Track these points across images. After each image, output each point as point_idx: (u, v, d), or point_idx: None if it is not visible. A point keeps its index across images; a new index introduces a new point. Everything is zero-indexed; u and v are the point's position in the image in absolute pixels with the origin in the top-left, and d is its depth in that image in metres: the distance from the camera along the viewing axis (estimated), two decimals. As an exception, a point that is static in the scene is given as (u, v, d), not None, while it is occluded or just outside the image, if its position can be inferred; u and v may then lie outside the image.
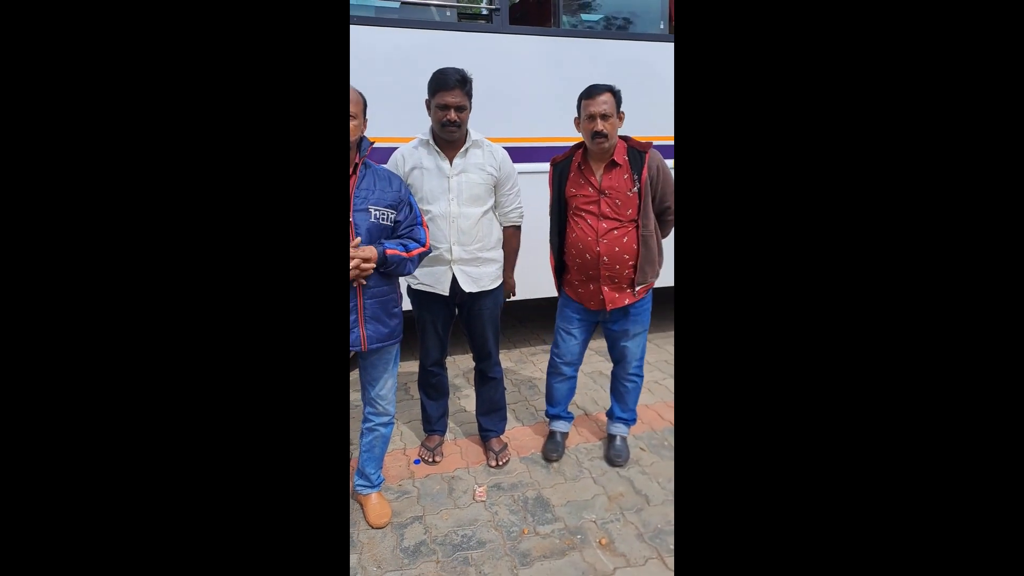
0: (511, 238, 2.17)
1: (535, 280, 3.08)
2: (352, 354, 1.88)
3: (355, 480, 1.98)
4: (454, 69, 1.83)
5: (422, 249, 1.76)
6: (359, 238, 1.59)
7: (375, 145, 1.76)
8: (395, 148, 2.04)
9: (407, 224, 1.73)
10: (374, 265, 1.60)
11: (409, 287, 2.13)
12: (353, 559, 1.75)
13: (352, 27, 2.64)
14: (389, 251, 1.64)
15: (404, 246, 1.69)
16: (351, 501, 2.01)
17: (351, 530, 1.88)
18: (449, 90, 1.82)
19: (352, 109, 1.55)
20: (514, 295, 2.29)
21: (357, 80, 2.65)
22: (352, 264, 1.54)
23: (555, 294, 2.30)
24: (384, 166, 1.78)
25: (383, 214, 1.66)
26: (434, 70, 1.86)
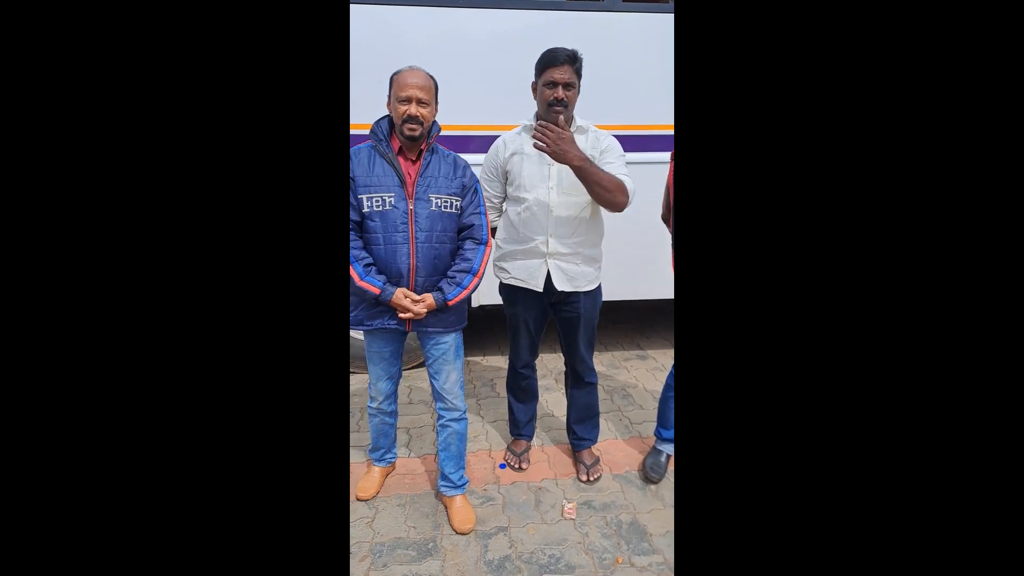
0: None
1: (631, 279, 2.86)
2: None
3: (438, 481, 1.92)
4: (564, 48, 1.69)
5: (482, 267, 1.69)
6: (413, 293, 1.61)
7: (472, 133, 1.68)
8: (496, 136, 1.92)
9: (470, 211, 1.67)
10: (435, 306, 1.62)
11: (500, 281, 2.01)
12: (435, 566, 1.68)
13: (452, 9, 2.58)
14: (452, 301, 1.63)
15: (459, 284, 1.65)
16: (437, 502, 1.95)
17: (435, 533, 1.81)
18: (558, 66, 1.68)
19: (423, 95, 1.52)
20: None
21: (457, 65, 2.60)
22: (409, 316, 1.60)
23: (655, 295, 2.08)
24: (454, 153, 1.71)
25: (446, 202, 1.60)
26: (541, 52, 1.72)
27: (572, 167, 1.61)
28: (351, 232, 1.58)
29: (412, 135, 1.54)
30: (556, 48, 1.69)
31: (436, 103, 1.60)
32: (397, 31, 2.53)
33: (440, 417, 1.85)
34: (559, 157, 1.58)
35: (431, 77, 1.58)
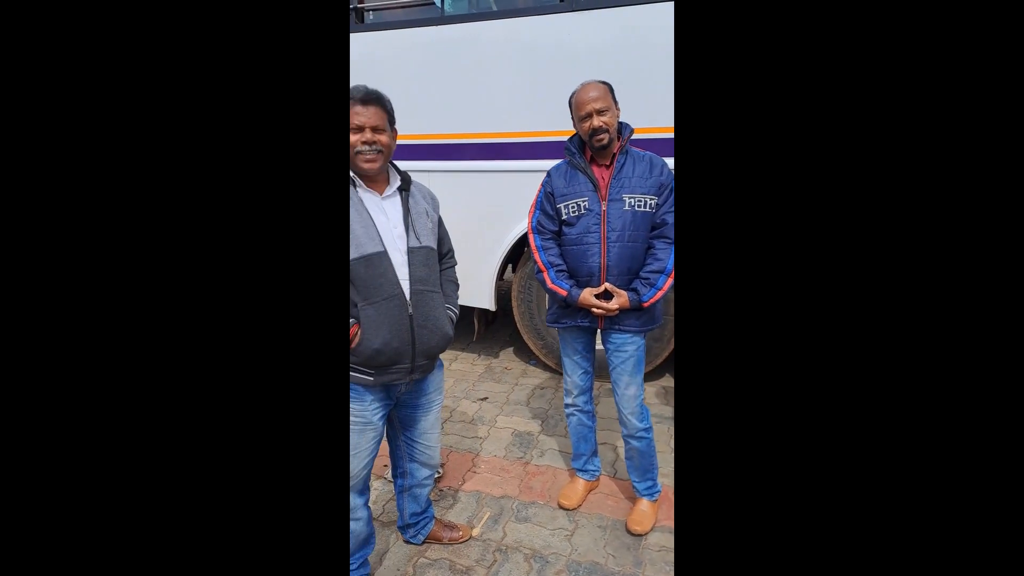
0: None
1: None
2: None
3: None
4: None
5: (669, 282, 1.59)
6: (604, 285, 1.59)
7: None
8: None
9: (664, 210, 1.60)
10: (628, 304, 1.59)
11: None
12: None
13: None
14: (647, 303, 1.58)
15: (653, 285, 1.59)
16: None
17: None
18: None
19: (600, 105, 1.52)
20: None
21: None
22: (602, 313, 1.60)
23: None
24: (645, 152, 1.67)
25: (640, 200, 1.58)
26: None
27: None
28: (549, 240, 1.66)
29: (601, 144, 1.56)
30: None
31: (616, 104, 1.59)
32: (573, 36, 2.45)
33: (623, 430, 1.76)
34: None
35: (602, 83, 1.58)
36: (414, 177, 1.44)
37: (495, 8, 2.66)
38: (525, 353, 3.21)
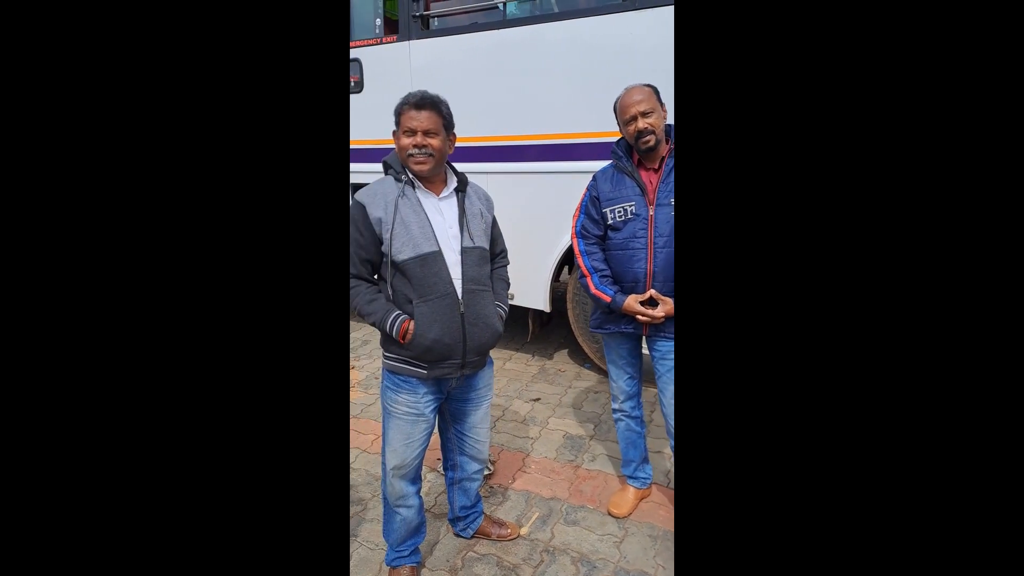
0: None
1: None
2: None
3: None
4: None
5: None
6: (651, 291, 1.55)
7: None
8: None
9: None
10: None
11: None
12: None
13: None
14: None
15: None
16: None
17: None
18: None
19: (645, 107, 1.50)
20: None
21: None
22: (647, 320, 1.56)
23: None
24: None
25: None
26: None
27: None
28: (593, 245, 1.65)
29: (648, 147, 1.53)
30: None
31: (662, 106, 1.56)
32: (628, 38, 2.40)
33: (670, 440, 1.74)
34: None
35: (647, 86, 1.55)
36: (473, 179, 1.48)
37: (557, 9, 2.66)
38: (579, 356, 3.18)
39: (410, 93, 1.32)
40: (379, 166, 1.44)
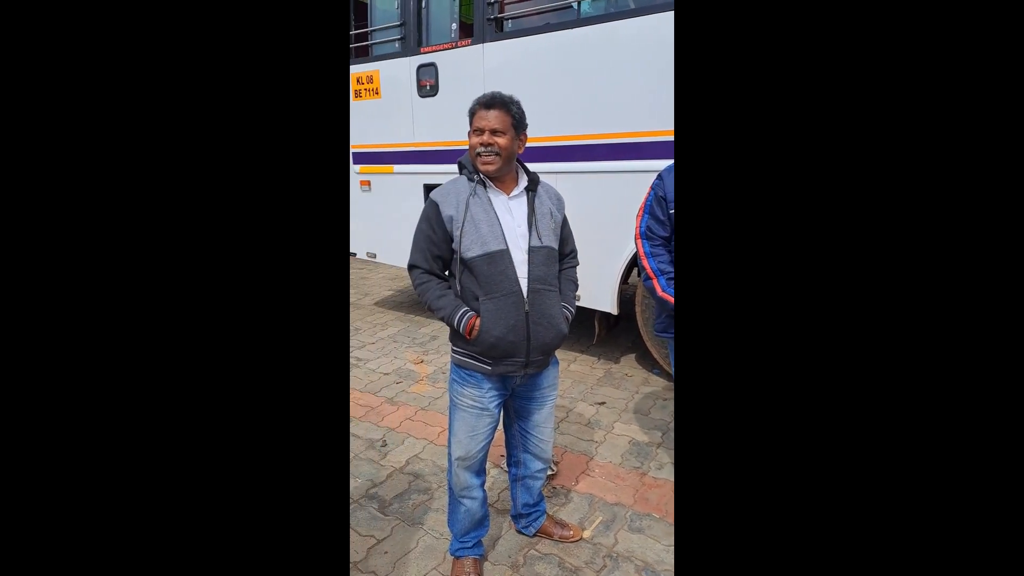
0: None
1: None
2: None
3: None
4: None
5: None
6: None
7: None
8: None
9: None
10: None
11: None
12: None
13: None
14: None
15: None
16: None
17: None
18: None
19: None
20: None
21: None
22: None
23: None
24: None
25: None
26: None
27: None
28: (659, 247, 1.58)
29: None
30: None
31: None
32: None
33: None
34: None
35: None
36: (544, 179, 1.48)
37: (632, 5, 2.61)
38: (647, 361, 3.09)
39: (483, 94, 1.35)
40: (454, 167, 1.48)
